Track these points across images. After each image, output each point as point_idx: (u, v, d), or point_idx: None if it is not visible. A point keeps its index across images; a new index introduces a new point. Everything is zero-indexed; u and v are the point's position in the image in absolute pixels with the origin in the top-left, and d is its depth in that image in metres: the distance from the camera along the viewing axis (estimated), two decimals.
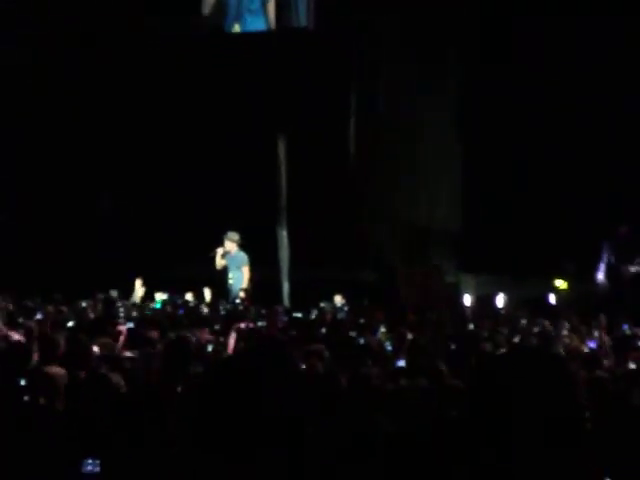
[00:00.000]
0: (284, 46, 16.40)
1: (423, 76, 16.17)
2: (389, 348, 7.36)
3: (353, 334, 9.28)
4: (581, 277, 15.21)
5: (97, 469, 4.16)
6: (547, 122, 15.58)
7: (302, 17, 16.76)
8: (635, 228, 14.77)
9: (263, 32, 16.93)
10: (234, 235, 14.62)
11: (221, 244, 14.63)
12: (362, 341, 7.93)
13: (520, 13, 15.64)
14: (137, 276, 14.22)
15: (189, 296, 13.84)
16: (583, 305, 13.72)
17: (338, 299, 13.86)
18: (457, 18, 16.28)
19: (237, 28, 17.03)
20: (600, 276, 14.87)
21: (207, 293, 13.93)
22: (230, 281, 14.56)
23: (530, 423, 2.06)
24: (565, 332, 9.82)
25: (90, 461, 4.18)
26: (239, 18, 17.04)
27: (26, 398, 5.30)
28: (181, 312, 11.89)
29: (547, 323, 10.88)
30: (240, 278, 14.51)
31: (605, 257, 14.84)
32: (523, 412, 2.24)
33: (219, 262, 14.64)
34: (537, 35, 15.51)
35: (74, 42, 16.80)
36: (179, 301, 13.28)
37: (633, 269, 14.66)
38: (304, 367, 6.53)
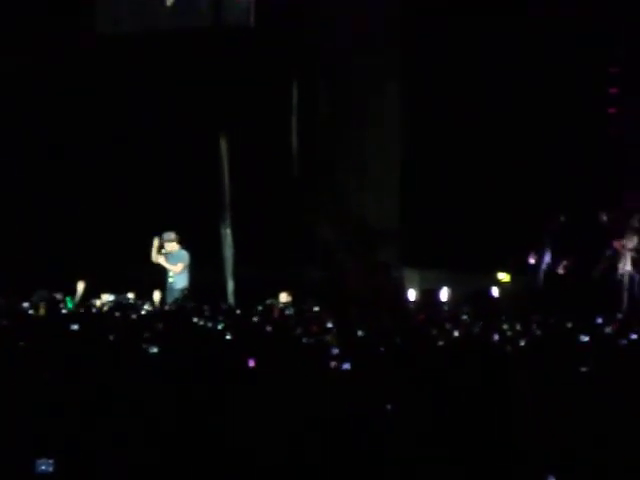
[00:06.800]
0: (225, 43, 16.38)
1: (367, 74, 16.26)
2: (336, 351, 7.37)
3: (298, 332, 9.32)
4: (523, 270, 15.42)
5: (50, 469, 4.13)
6: (488, 118, 15.74)
7: (242, 14, 16.75)
8: (571, 220, 15.05)
9: (204, 29, 16.89)
10: (170, 235, 14.54)
11: (162, 246, 14.56)
12: (305, 340, 7.95)
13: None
14: (80, 279, 14.11)
15: (131, 295, 13.78)
16: (524, 298, 13.93)
17: (283, 296, 13.88)
18: (398, 13, 16.38)
19: None
20: (541, 271, 15.13)
21: (156, 296, 13.87)
22: (170, 280, 14.51)
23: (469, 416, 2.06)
24: (506, 326, 9.95)
25: (43, 461, 4.15)
26: None
27: None
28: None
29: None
30: (180, 278, 14.46)
31: (545, 252, 15.10)
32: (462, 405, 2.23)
33: (155, 256, 14.54)
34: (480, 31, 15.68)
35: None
36: (125, 302, 13.22)
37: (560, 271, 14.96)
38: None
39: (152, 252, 14.53)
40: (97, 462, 4.29)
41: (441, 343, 7.86)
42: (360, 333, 8.95)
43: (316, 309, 12.46)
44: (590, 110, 15.88)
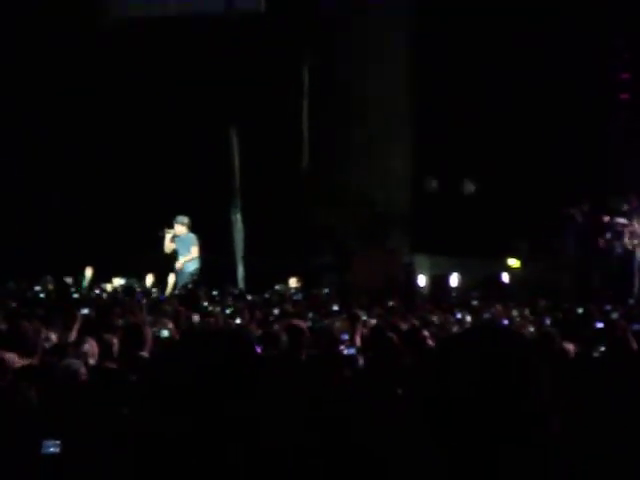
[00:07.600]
0: (236, 30, 16.32)
1: (376, 59, 16.23)
2: (345, 337, 7.38)
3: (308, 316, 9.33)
4: (533, 256, 15.39)
5: (57, 450, 4.12)
6: (499, 101, 15.67)
7: (252, 0, 16.71)
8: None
9: (214, 16, 16.83)
10: (184, 219, 14.58)
11: (171, 228, 14.60)
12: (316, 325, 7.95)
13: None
14: (89, 264, 14.10)
15: (149, 280, 13.73)
16: (535, 284, 13.90)
17: (293, 282, 13.88)
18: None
19: None
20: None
21: (171, 280, 13.82)
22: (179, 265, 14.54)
23: (483, 410, 1.89)
24: (515, 312, 9.93)
25: (50, 442, 4.13)
26: None
27: None
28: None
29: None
30: (190, 262, 14.48)
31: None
32: (476, 396, 2.01)
33: (168, 245, 14.59)
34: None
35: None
36: (138, 287, 13.22)
37: None
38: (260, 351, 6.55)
39: (165, 243, 14.55)
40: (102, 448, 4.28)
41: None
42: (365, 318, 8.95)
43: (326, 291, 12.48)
44: (602, 96, 15.81)
